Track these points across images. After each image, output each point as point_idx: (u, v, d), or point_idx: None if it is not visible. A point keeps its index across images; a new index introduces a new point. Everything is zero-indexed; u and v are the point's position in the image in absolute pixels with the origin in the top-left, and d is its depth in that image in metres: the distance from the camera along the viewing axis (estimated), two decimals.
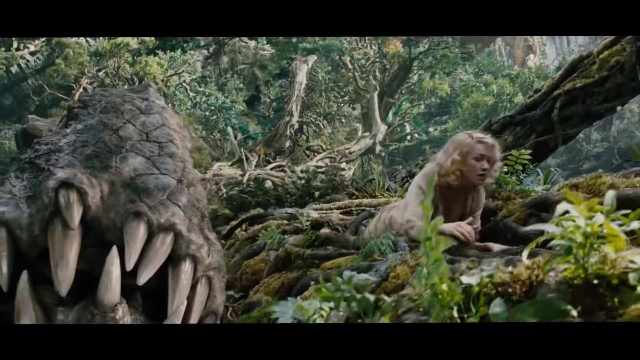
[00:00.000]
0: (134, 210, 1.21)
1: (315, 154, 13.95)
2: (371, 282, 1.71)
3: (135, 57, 12.83)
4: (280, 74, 17.28)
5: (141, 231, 1.20)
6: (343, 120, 18.86)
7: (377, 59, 16.35)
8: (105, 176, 1.22)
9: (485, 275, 1.16)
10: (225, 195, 7.59)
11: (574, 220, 1.03)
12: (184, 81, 14.41)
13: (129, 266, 1.16)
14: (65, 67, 11.66)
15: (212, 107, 15.62)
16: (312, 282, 1.98)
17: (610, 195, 1.09)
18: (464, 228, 2.45)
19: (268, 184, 8.09)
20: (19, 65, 11.69)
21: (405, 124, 18.11)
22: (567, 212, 1.04)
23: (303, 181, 7.84)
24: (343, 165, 13.39)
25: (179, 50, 14.68)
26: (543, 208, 2.59)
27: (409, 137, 18.09)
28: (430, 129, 18.88)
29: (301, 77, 14.25)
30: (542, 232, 1.15)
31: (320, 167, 12.24)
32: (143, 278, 1.18)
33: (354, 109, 18.82)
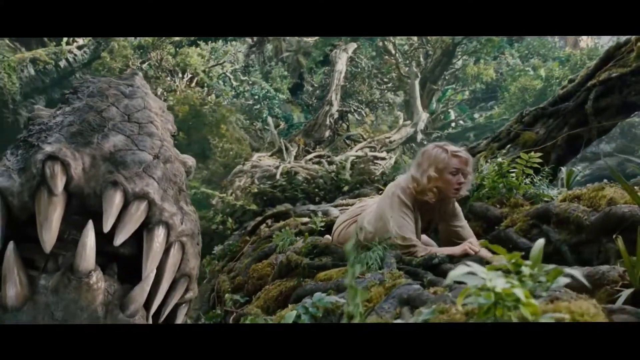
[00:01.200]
0: (112, 180, 1.37)
1: (355, 143, 13.96)
2: (342, 304, 1.74)
3: (177, 49, 13.25)
4: (324, 61, 17.31)
5: (117, 198, 1.36)
6: (386, 108, 18.77)
7: (420, 45, 16.15)
8: (87, 151, 1.39)
9: (420, 320, 1.19)
10: (256, 189, 7.67)
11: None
12: (226, 71, 14.71)
13: (106, 229, 1.33)
14: (110, 61, 12.23)
15: (256, 96, 15.88)
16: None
17: (537, 247, 1.10)
18: (472, 246, 2.50)
19: (301, 176, 8.12)
20: (67, 60, 12.34)
21: (450, 110, 17.83)
22: (470, 272, 1.02)
23: (333, 174, 7.83)
24: (383, 154, 13.37)
25: (220, 40, 14.99)
26: (544, 219, 2.56)
27: (453, 124, 17.81)
28: (476, 115, 18.49)
29: (341, 66, 14.30)
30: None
31: (360, 156, 12.27)
32: (119, 240, 1.35)
33: (397, 95, 18.67)
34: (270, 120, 13.64)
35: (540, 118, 5.26)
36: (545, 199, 2.98)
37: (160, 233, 1.42)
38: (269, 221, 5.10)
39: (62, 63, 12.22)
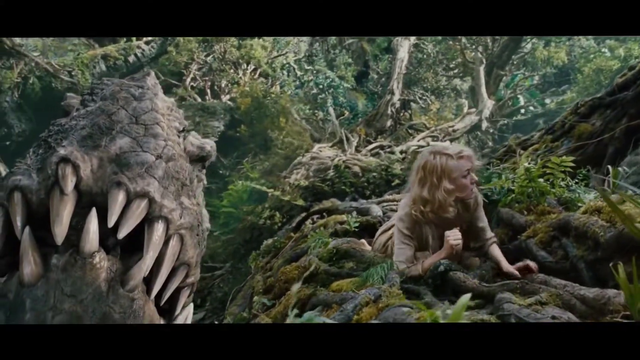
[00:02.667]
0: (116, 181, 1.54)
1: (418, 132, 13.73)
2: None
3: (240, 41, 13.54)
4: (389, 47, 17.07)
5: (121, 197, 1.53)
6: (452, 95, 18.31)
7: None
8: (95, 153, 1.56)
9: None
10: (306, 183, 7.62)
11: None
12: (289, 62, 14.90)
13: (110, 224, 1.49)
14: (176, 55, 12.78)
15: (321, 86, 15.97)
16: None
17: (460, 303, 1.10)
18: (452, 239, 2.39)
19: (352, 170, 7.98)
20: (135, 55, 13.01)
21: (519, 96, 17.10)
22: None
23: (382, 167, 7.63)
24: (446, 144, 13.06)
25: None
26: (565, 232, 2.44)
27: (522, 111, 17.07)
28: (547, 101, 17.60)
29: (403, 54, 14.07)
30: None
31: (422, 146, 12.06)
32: (122, 233, 1.51)
33: (464, 81, 18.15)
34: (331, 110, 13.69)
35: (597, 109, 4.94)
36: (580, 204, 2.78)
37: (159, 227, 1.58)
38: (314, 217, 5.00)
39: (131, 58, 12.86)
